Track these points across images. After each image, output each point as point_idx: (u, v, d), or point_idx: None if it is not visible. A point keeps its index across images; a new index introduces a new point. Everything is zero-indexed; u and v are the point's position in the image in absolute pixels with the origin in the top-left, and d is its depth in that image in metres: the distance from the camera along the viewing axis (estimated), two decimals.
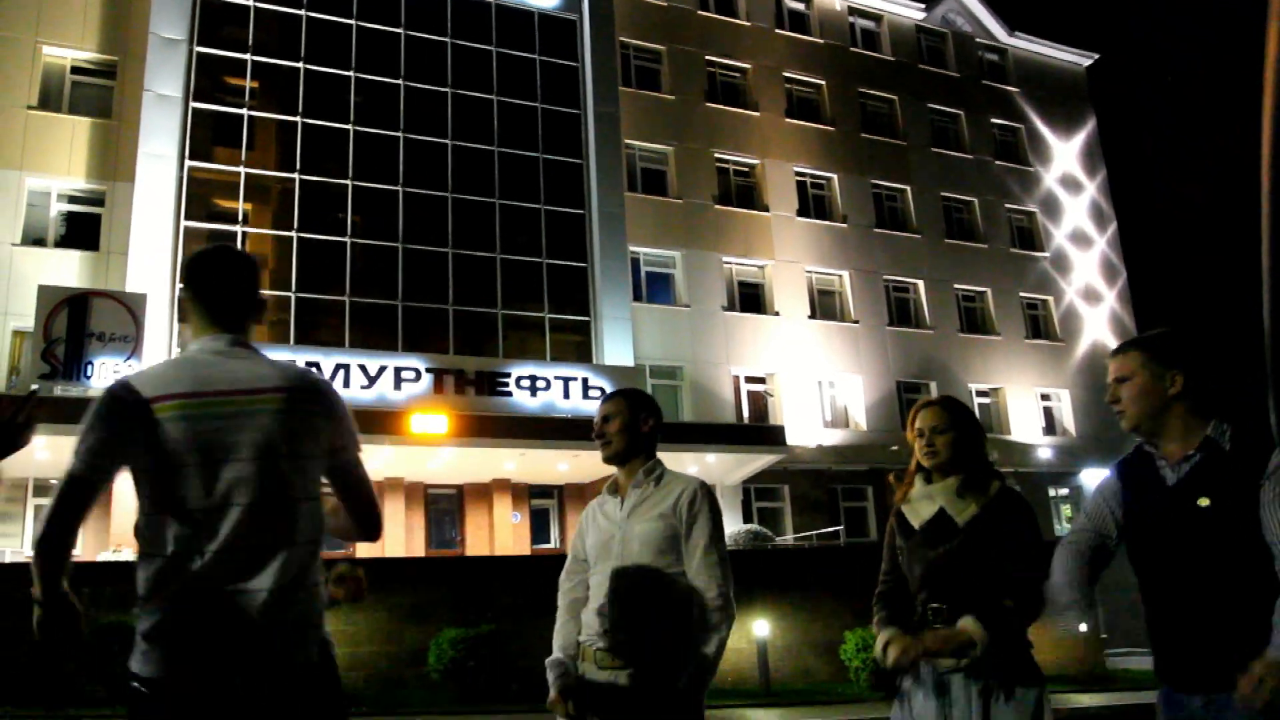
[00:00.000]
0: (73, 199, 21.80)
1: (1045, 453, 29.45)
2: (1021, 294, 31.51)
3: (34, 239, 21.07)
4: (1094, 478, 29.93)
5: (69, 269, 20.62)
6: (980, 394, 29.58)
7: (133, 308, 18.89)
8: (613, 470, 3.38)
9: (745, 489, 24.91)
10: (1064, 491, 29.84)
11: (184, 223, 21.26)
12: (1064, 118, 34.48)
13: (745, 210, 28.06)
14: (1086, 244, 33.18)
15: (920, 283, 29.94)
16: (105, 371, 18.36)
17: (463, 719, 10.77)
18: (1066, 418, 30.72)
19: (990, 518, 3.27)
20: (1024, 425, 29.68)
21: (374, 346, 21.52)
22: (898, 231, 30.23)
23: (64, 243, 21.37)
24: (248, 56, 22.81)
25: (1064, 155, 34.08)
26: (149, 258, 20.64)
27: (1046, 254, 32.41)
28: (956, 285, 30.49)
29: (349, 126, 23.21)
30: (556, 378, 21.82)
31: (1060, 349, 31.37)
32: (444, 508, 22.78)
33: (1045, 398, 30.72)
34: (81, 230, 21.61)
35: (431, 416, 19.58)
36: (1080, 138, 34.62)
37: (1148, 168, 54.90)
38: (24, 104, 21.54)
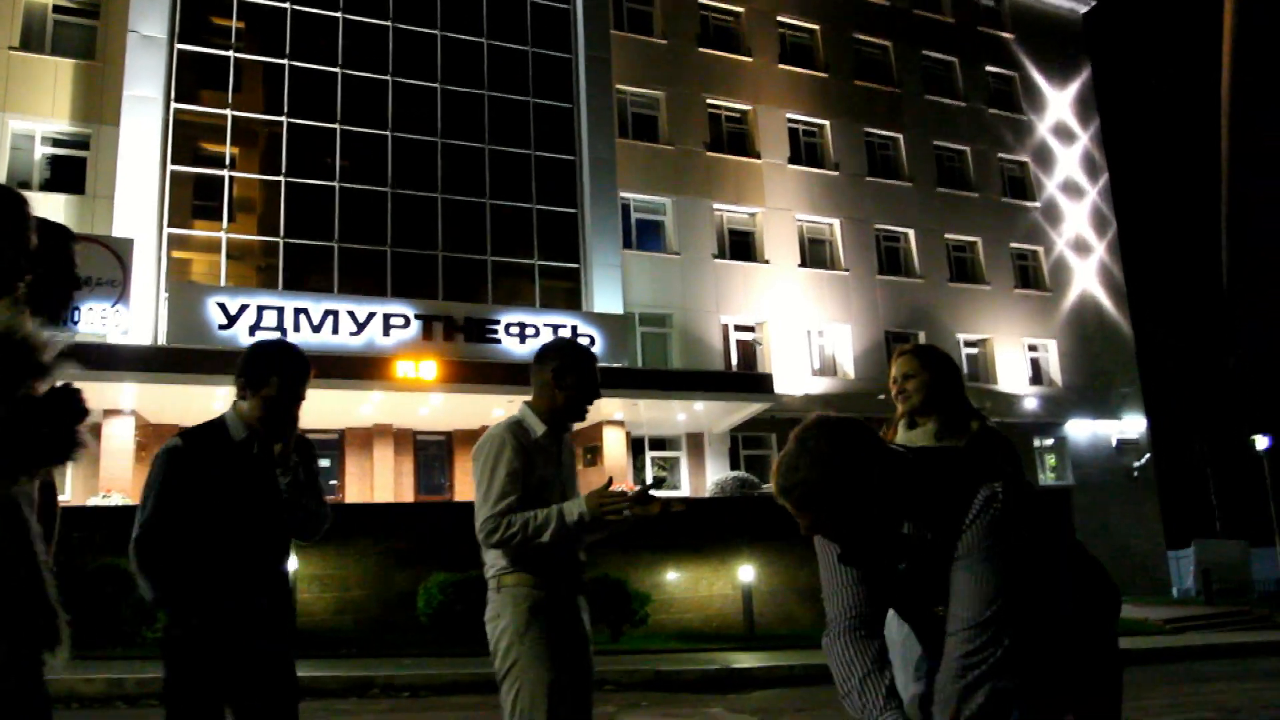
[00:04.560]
0: (57, 142, 21.57)
1: (1031, 403, 29.64)
2: (1012, 244, 31.48)
3: (18, 182, 20.81)
4: (1079, 429, 30.20)
5: (54, 213, 20.41)
6: (969, 344, 29.68)
7: (119, 252, 18.78)
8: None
9: (733, 437, 25.07)
10: (1049, 442, 30.10)
11: (170, 167, 21.07)
12: (1059, 66, 34.22)
13: (737, 157, 27.90)
14: (1078, 194, 33.11)
15: (911, 232, 29.90)
16: (93, 317, 18.31)
17: (451, 660, 10.93)
18: (1053, 368, 30.87)
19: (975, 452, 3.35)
20: (1011, 375, 29.82)
21: (363, 292, 21.47)
22: (889, 180, 30.11)
23: (49, 186, 21.16)
24: None
25: (1058, 104, 33.88)
26: (135, 202, 20.49)
27: (1038, 204, 32.34)
28: (947, 235, 30.46)
29: (337, 69, 22.94)
30: (545, 325, 21.82)
31: (1049, 299, 31.43)
32: (433, 454, 22.89)
33: (1033, 348, 30.84)
34: (67, 173, 21.41)
35: (420, 363, 19.61)
36: (1075, 86, 34.38)
37: (1141, 118, 54.69)
38: (5, 44, 21.20)
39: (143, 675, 8.57)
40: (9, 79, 21.09)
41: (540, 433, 3.41)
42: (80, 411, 2.06)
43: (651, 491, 3.33)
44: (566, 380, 3.40)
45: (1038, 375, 30.68)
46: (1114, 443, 30.81)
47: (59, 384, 2.13)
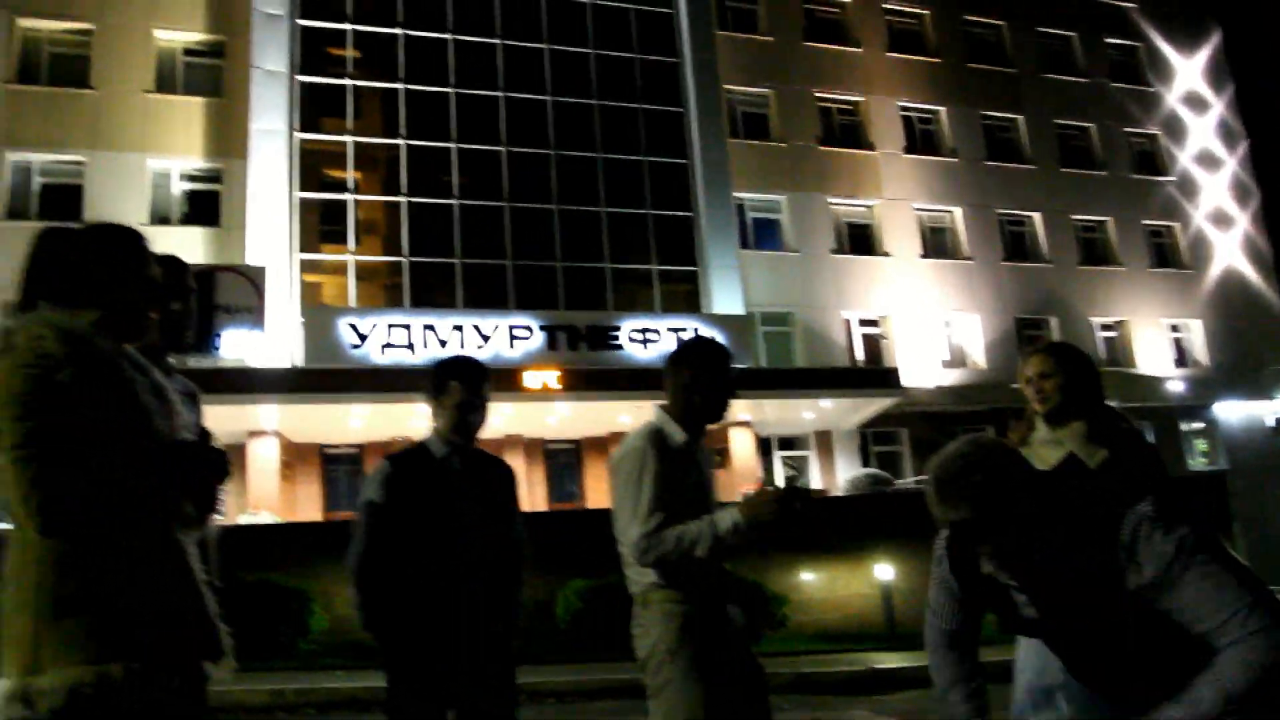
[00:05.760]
0: (192, 177, 22.55)
1: (1176, 386, 28.30)
2: (1145, 221, 30.21)
3: (159, 218, 21.87)
4: (1230, 410, 28.77)
5: (193, 245, 21.34)
6: (1104, 328, 28.58)
7: (254, 280, 19.48)
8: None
9: (862, 433, 24.65)
10: (1197, 425, 28.69)
11: (297, 194, 21.81)
12: (1186, 32, 32.71)
13: (850, 150, 27.47)
14: (1215, 165, 31.57)
15: (1036, 215, 28.97)
16: (233, 343, 19.04)
17: (593, 666, 10.94)
18: (1198, 348, 29.47)
19: (1121, 463, 3.22)
20: (1152, 358, 28.57)
21: (486, 306, 21.83)
22: (1010, 163, 29.24)
23: (187, 220, 22.15)
24: (347, 26, 23.14)
25: (1187, 72, 32.38)
26: (266, 230, 21.25)
27: (1171, 178, 30.96)
28: (1074, 216, 29.40)
29: (449, 89, 23.42)
30: (667, 329, 21.82)
31: (1189, 277, 30.04)
32: (563, 462, 23.09)
33: (1175, 329, 29.50)
34: (202, 207, 22.37)
35: (546, 372, 19.81)
36: (1204, 53, 32.81)
37: None
38: (142, 88, 22.31)
39: (301, 685, 8.81)
40: (146, 120, 22.16)
41: (680, 439, 3.30)
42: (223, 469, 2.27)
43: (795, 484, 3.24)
44: (702, 382, 3.31)
45: (1182, 357, 29.32)
46: (1270, 423, 29.20)
47: (209, 441, 2.28)
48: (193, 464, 2.22)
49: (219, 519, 2.49)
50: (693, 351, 3.41)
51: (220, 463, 2.25)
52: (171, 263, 2.67)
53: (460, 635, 3.11)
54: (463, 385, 3.36)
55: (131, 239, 2.34)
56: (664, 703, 3.11)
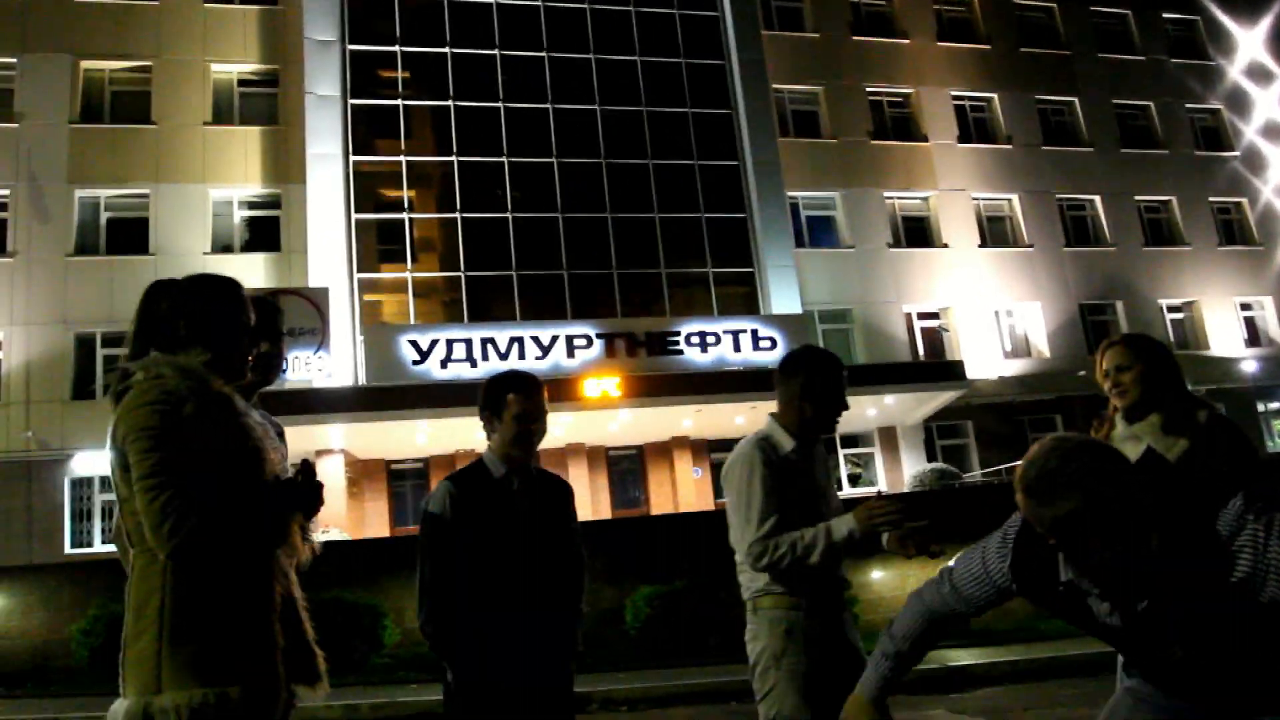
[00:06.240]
0: (252, 204, 23.04)
1: (1250, 365, 27.53)
2: (1211, 199, 29.49)
3: (222, 246, 22.38)
4: None
5: (255, 271, 21.81)
6: (1172, 309, 27.94)
7: (316, 302, 19.85)
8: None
9: (927, 427, 24.35)
10: (1274, 405, 27.89)
11: (354, 215, 22.17)
12: (1246, 2, 31.87)
13: (903, 142, 27.19)
14: None
15: (1097, 198, 28.41)
16: (298, 365, 19.40)
17: (664, 673, 10.93)
18: (1272, 326, 28.67)
19: (1204, 450, 3.11)
20: (1224, 338, 27.85)
21: (544, 317, 21.97)
22: (1068, 147, 28.71)
23: (249, 247, 22.65)
24: (396, 48, 23.48)
25: (1249, 43, 31.55)
26: (326, 253, 21.63)
27: (1236, 153, 30.18)
28: (1137, 197, 28.78)
29: (499, 104, 23.64)
30: (725, 331, 21.77)
31: (1260, 254, 29.24)
32: (626, 468, 23.15)
33: (1246, 307, 28.73)
34: (263, 233, 22.85)
35: (605, 380, 19.87)
36: (1267, 21, 31.91)
37: None
38: (200, 120, 22.86)
39: (375, 700, 8.94)
40: (206, 151, 22.70)
41: (789, 448, 3.29)
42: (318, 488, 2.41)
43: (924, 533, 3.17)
44: (815, 391, 3.29)
45: (1254, 336, 28.53)
46: None
47: (313, 475, 2.43)
48: (300, 497, 2.36)
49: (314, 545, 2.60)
50: (803, 360, 3.38)
51: (319, 495, 2.40)
52: (264, 306, 2.81)
53: (520, 653, 3.12)
54: (520, 397, 3.31)
55: (231, 287, 2.50)
56: (769, 705, 3.16)
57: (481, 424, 3.40)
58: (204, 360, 2.35)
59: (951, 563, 2.50)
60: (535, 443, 3.35)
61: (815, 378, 3.30)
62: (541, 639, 3.18)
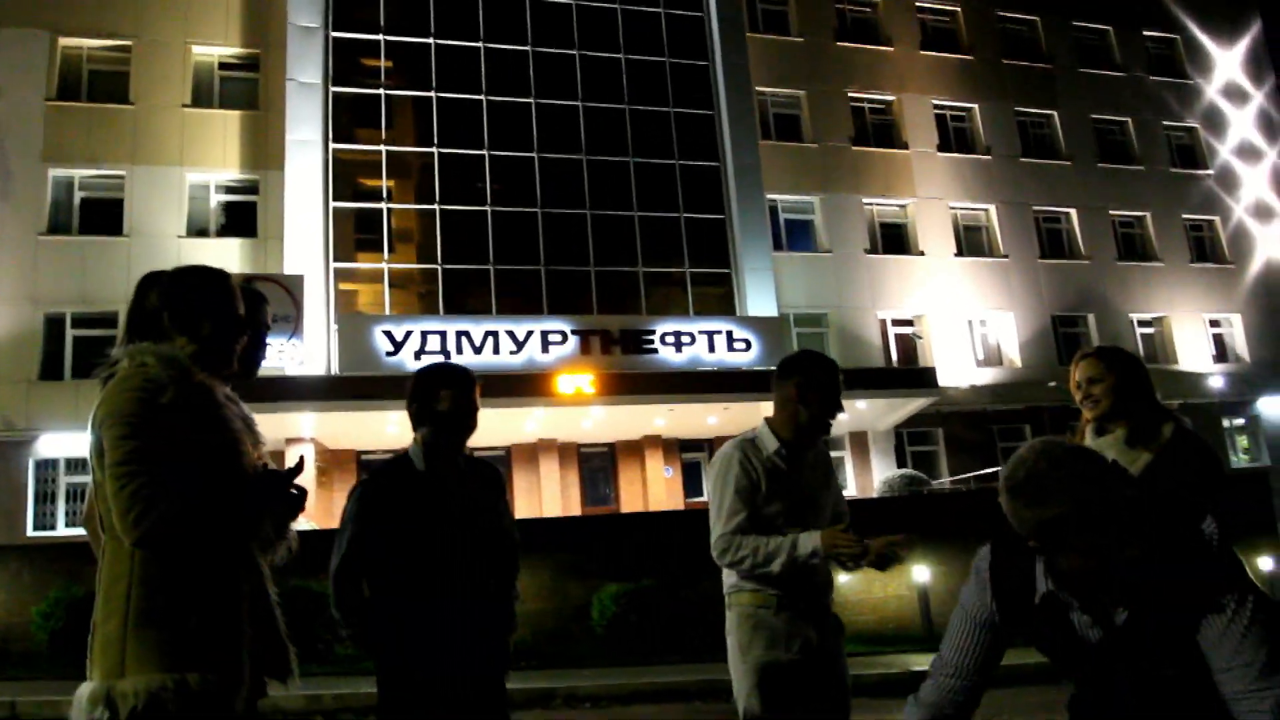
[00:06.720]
0: (229, 189, 22.85)
1: (1217, 381, 27.88)
2: (1184, 215, 29.83)
3: (198, 230, 22.19)
4: (1273, 406, 28.31)
5: (231, 256, 21.63)
6: (1143, 323, 28.24)
7: (291, 289, 19.72)
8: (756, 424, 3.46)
9: (898, 433, 24.50)
10: (1239, 421, 28.27)
11: (332, 204, 22.03)
12: (1224, 23, 32.25)
13: (883, 149, 27.33)
14: (1255, 157, 31.10)
15: (1073, 211, 28.68)
16: (271, 352, 19.23)
17: (629, 670, 10.95)
18: (1239, 343, 29.03)
19: (1167, 464, 3.15)
20: (1192, 353, 28.18)
21: (520, 311, 21.94)
22: (1046, 159, 28.97)
23: (224, 231, 22.45)
24: (380, 37, 23.35)
25: (1226, 64, 31.92)
26: (302, 240, 21.49)
27: (1210, 171, 30.54)
28: (1112, 211, 29.08)
29: (481, 97, 23.57)
30: (701, 332, 21.81)
31: (1230, 271, 29.61)
32: (597, 465, 23.14)
33: (1215, 324, 29.08)
34: (240, 218, 22.66)
35: (579, 377, 19.86)
36: (1244, 43, 32.33)
37: None
38: (179, 102, 22.65)
39: (338, 690, 8.91)
40: (184, 134, 22.49)
41: (772, 449, 3.32)
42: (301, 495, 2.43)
43: (893, 548, 3.20)
44: (810, 395, 3.30)
45: (1222, 352, 28.89)
46: None
47: (299, 473, 2.43)
48: (277, 491, 2.37)
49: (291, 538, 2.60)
50: (800, 363, 3.40)
51: (301, 497, 2.42)
52: (251, 297, 2.80)
53: (447, 642, 3.08)
54: (453, 393, 3.24)
55: (220, 279, 2.53)
56: (737, 697, 3.25)
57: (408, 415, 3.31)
58: (191, 351, 2.38)
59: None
60: (465, 437, 3.30)
61: (810, 380, 3.33)
62: (471, 628, 3.14)
